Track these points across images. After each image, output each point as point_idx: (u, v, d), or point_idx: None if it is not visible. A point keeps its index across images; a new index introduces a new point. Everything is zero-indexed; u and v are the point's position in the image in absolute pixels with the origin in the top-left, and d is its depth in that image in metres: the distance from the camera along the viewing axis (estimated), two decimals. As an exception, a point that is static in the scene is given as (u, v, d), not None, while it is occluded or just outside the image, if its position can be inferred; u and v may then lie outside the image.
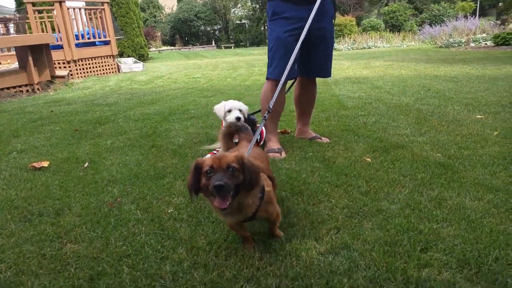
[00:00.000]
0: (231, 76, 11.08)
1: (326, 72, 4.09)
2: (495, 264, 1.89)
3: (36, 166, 3.65)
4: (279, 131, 4.56)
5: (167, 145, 4.25)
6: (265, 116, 3.05)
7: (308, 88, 4.26)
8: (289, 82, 4.20)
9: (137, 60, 17.05)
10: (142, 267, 2.01)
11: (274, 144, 3.92)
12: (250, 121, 3.98)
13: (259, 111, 4.11)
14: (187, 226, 2.41)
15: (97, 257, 2.12)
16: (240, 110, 3.75)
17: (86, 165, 3.68)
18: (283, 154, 3.76)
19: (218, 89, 8.55)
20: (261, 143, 4.13)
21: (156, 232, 2.36)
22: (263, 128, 4.16)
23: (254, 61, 16.94)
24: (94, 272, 1.98)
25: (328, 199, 2.71)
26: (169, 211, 2.63)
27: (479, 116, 4.85)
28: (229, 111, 3.74)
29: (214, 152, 3.89)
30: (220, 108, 3.84)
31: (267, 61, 3.91)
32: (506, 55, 12.98)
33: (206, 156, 3.75)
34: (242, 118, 3.73)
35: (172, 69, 14.81)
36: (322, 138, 4.24)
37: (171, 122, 5.39)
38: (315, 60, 3.96)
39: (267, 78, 3.92)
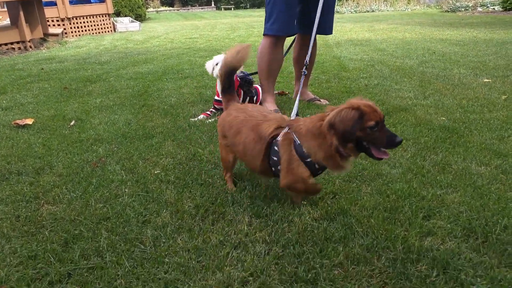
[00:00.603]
0: (229, 37, 10.71)
1: (327, 28, 3.84)
2: (504, 233, 1.75)
3: (20, 124, 3.47)
4: (276, 92, 4.35)
5: (159, 104, 4.05)
6: (304, 72, 2.89)
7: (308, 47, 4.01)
8: (288, 42, 3.96)
9: (134, 20, 16.52)
10: (121, 231, 1.86)
11: (270, 105, 3.72)
12: (246, 81, 3.77)
13: (255, 73, 3.88)
14: (174, 188, 2.25)
15: (75, 219, 1.97)
16: None
17: (72, 123, 3.50)
18: (280, 116, 3.57)
19: (215, 49, 8.24)
20: (258, 103, 3.93)
21: (139, 194, 2.20)
22: (259, 88, 3.95)
23: (253, 22, 16.43)
24: (70, 235, 1.83)
25: (325, 162, 2.54)
26: (156, 172, 2.47)
27: (487, 80, 4.62)
28: (217, 64, 3.53)
29: (208, 112, 3.70)
30: (209, 63, 3.62)
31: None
32: (514, 20, 12.53)
33: (199, 117, 3.57)
34: None
35: (170, 29, 14.36)
36: (321, 100, 4.03)
37: (164, 81, 5.16)
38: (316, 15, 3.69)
39: (264, 34, 3.67)
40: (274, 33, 3.55)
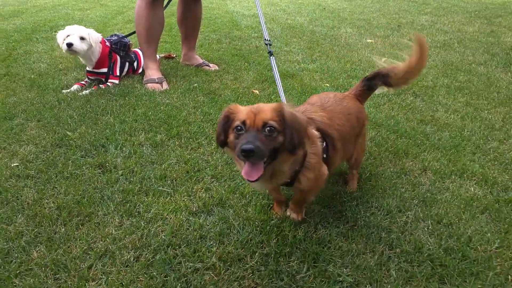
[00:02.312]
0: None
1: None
2: (371, 216, 1.82)
3: None
4: (163, 55, 4.08)
5: (25, 72, 3.54)
6: (270, 52, 2.68)
7: (192, 6, 3.74)
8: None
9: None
10: (-36, 248, 1.59)
11: (153, 72, 3.43)
12: (122, 45, 3.43)
13: (134, 32, 3.53)
14: (34, 185, 1.99)
15: None
16: (82, 38, 3.13)
17: None
18: (165, 85, 3.33)
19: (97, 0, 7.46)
20: (139, 71, 3.63)
21: (-10, 196, 1.90)
22: (139, 51, 3.64)
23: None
24: None
25: (208, 142, 2.43)
26: (13, 165, 2.15)
27: (370, 40, 4.80)
28: (68, 36, 3.12)
29: (83, 82, 3.33)
30: (60, 34, 3.17)
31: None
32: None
33: (73, 87, 3.22)
34: (77, 45, 3.10)
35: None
36: (210, 65, 3.86)
37: (34, 42, 4.54)
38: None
39: (141, -6, 3.31)
40: (152, -7, 3.22)
